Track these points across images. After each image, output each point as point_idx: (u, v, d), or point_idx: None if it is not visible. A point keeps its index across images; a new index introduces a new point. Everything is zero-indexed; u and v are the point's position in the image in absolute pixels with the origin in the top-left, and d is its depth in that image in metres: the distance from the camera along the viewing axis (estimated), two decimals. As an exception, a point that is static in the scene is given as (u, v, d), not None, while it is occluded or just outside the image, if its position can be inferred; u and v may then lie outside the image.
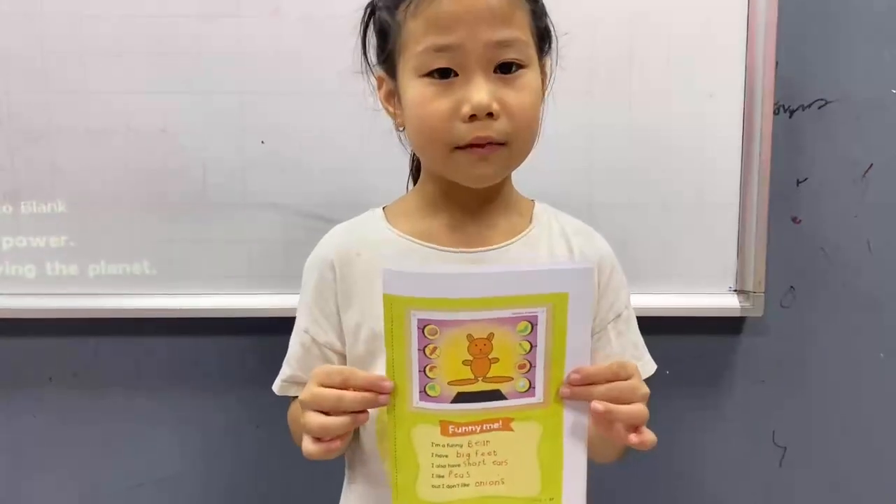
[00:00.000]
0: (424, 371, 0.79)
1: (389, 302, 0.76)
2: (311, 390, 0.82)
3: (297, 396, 1.04)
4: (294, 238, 1.37)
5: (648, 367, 1.06)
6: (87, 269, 1.40)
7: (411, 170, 1.11)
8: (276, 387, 1.05)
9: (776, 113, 1.41)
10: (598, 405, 0.80)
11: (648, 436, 0.82)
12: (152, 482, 1.51)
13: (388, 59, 0.96)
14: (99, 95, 1.35)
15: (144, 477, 1.51)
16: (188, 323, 1.42)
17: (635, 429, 0.82)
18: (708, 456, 1.54)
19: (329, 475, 1.08)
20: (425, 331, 0.77)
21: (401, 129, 0.99)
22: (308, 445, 0.83)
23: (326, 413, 0.82)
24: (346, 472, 1.07)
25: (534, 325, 0.78)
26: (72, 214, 1.38)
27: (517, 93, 0.90)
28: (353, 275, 0.98)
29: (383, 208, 1.05)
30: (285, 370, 1.04)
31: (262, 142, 1.37)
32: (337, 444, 0.83)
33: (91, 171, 1.37)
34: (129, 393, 1.48)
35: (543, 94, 0.97)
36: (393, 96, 0.97)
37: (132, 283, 1.40)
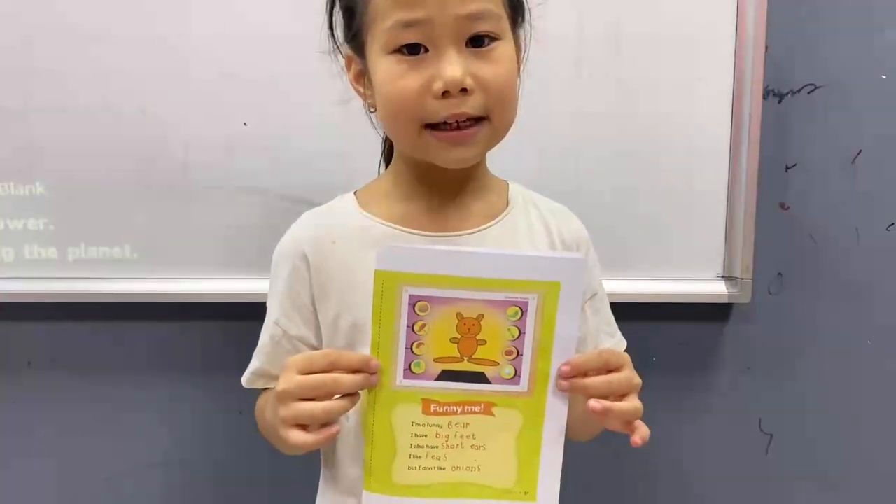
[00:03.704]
0: (411, 348, 0.79)
1: (381, 278, 0.76)
2: (294, 379, 0.79)
3: (265, 389, 1.02)
4: (278, 222, 1.31)
5: (620, 343, 1.07)
6: (66, 252, 1.38)
7: (383, 152, 1.08)
8: (244, 379, 1.03)
9: (765, 98, 1.40)
10: (596, 405, 0.80)
11: (646, 431, 0.83)
12: (132, 469, 1.50)
13: (355, 37, 0.93)
14: (78, 75, 1.33)
15: (124, 464, 1.50)
16: (170, 308, 1.41)
17: (629, 424, 0.82)
18: (694, 443, 1.54)
19: (312, 462, 1.07)
20: (416, 307, 0.78)
21: (372, 110, 0.97)
22: (300, 437, 0.80)
23: (313, 401, 0.80)
24: (323, 471, 1.04)
25: (524, 312, 0.79)
26: (50, 197, 1.36)
27: (492, 66, 0.87)
28: (329, 265, 0.96)
29: (354, 193, 1.02)
30: (254, 362, 1.02)
31: (245, 124, 1.34)
32: (337, 428, 0.81)
33: (70, 152, 1.35)
34: (109, 378, 1.47)
35: (519, 68, 0.95)
36: (363, 76, 0.95)
37: (113, 268, 1.38)
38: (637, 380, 0.83)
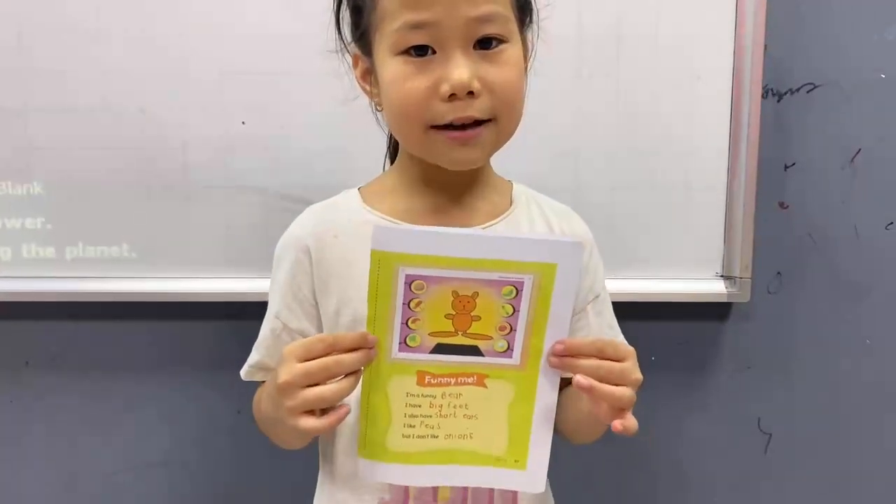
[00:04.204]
0: (406, 323, 0.80)
1: (377, 258, 0.77)
2: (295, 368, 0.79)
3: (262, 382, 1.02)
4: (276, 221, 1.31)
5: None
6: (64, 251, 1.37)
7: (388, 148, 1.08)
8: (243, 372, 1.03)
9: (764, 97, 1.40)
10: (582, 380, 0.80)
11: (631, 422, 0.82)
12: (131, 469, 1.50)
13: (362, 36, 0.93)
14: (77, 74, 1.33)
15: (123, 464, 1.50)
16: (168, 307, 1.40)
17: (619, 412, 0.81)
18: (693, 442, 1.54)
19: (311, 461, 1.06)
20: (412, 286, 0.78)
21: (378, 109, 0.97)
22: (310, 423, 0.80)
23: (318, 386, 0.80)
24: (322, 465, 1.04)
25: (518, 291, 0.80)
26: (49, 196, 1.36)
27: (499, 69, 0.87)
28: (331, 259, 0.96)
29: (359, 189, 1.03)
30: (253, 355, 1.02)
31: (243, 122, 1.34)
32: (347, 408, 0.82)
33: (69, 151, 1.34)
34: (107, 377, 1.46)
35: (526, 69, 0.95)
36: (369, 75, 0.95)
37: (111, 267, 1.38)
38: (636, 375, 0.83)
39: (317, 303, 0.97)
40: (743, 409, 1.53)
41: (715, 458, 1.54)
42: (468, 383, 0.84)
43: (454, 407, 0.84)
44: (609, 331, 1.05)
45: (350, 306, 0.94)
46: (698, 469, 1.55)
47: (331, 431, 0.83)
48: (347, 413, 0.82)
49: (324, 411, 0.81)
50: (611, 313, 1.07)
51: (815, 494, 1.56)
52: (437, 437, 0.85)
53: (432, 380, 0.83)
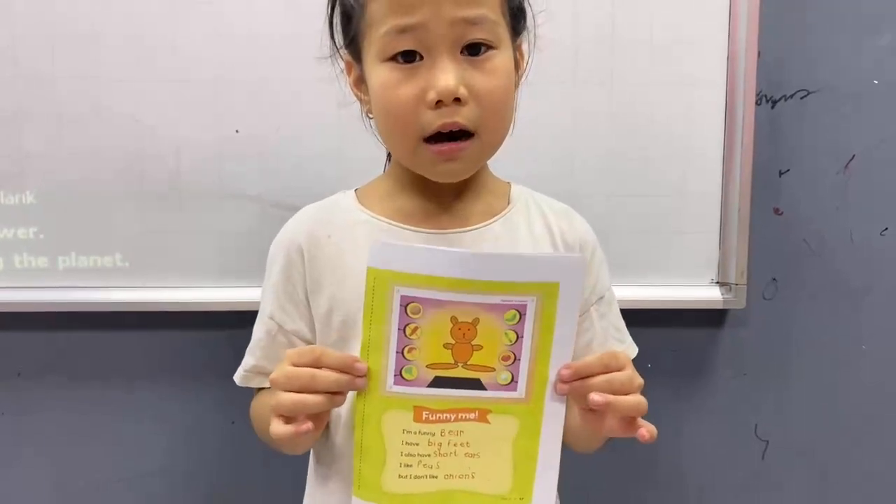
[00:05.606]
0: (402, 353, 0.76)
1: (373, 276, 0.74)
2: (284, 369, 0.79)
3: (261, 389, 1.01)
4: (270, 229, 1.31)
5: (631, 350, 1.05)
6: (56, 261, 1.37)
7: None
8: (238, 377, 1.01)
9: (758, 103, 1.40)
10: (597, 397, 0.77)
11: (651, 427, 0.80)
12: (125, 479, 1.49)
13: (352, 43, 0.92)
14: (69, 81, 1.32)
15: (116, 474, 1.49)
16: (161, 316, 1.39)
17: (632, 422, 0.80)
18: (690, 449, 1.53)
19: (304, 471, 1.06)
20: (408, 309, 0.75)
21: (370, 116, 0.96)
22: (277, 427, 0.78)
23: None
24: (314, 468, 1.02)
25: (522, 315, 0.76)
26: (41, 205, 1.35)
27: (486, 76, 0.86)
28: (323, 258, 0.95)
29: (355, 191, 1.02)
30: (248, 360, 1.00)
31: (237, 130, 1.34)
32: (308, 425, 0.78)
33: (61, 160, 1.34)
34: (100, 388, 1.45)
35: (518, 77, 0.94)
36: (362, 82, 0.94)
37: (104, 276, 1.37)
38: (639, 380, 0.81)
39: (309, 303, 0.96)
40: (739, 416, 1.53)
41: (712, 465, 1.54)
42: (469, 419, 0.79)
43: (454, 445, 0.79)
44: (616, 332, 1.03)
45: (342, 308, 0.93)
46: (695, 476, 1.54)
47: (288, 440, 0.80)
48: (307, 430, 0.78)
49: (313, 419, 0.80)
50: (617, 314, 1.04)
51: (812, 501, 1.55)
52: (436, 477, 0.80)
53: (430, 416, 0.78)
